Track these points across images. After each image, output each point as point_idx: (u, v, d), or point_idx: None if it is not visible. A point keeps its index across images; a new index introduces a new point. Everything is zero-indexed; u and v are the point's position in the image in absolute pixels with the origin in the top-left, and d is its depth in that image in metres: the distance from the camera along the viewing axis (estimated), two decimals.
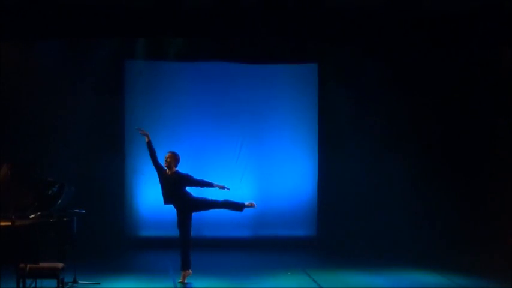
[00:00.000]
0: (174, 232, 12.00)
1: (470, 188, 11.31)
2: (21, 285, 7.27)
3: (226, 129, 12.41)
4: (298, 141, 12.52)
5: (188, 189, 9.13)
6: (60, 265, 7.68)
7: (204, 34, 11.21)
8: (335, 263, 10.67)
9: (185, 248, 9.15)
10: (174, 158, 9.04)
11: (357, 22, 10.92)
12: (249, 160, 12.46)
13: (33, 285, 7.71)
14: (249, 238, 12.23)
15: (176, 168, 9.06)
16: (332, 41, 11.81)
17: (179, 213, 9.16)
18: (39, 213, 7.72)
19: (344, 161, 12.17)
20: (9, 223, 7.13)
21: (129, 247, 11.82)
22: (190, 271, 9.11)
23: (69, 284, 8.56)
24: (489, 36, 10.66)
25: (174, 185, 9.00)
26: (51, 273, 7.61)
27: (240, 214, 12.20)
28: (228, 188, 9.27)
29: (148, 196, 12.21)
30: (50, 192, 7.98)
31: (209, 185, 9.21)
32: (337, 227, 12.06)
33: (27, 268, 7.25)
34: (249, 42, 11.96)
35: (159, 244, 11.89)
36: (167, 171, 9.06)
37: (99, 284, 8.75)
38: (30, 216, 7.60)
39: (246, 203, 9.34)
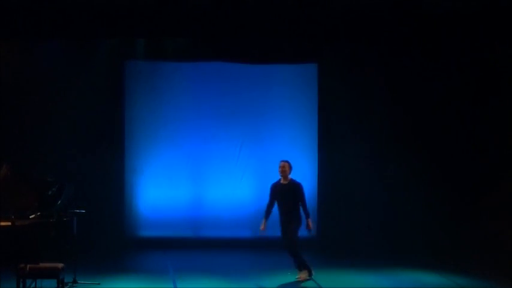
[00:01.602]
0: (174, 232, 12.14)
1: (471, 187, 11.30)
2: (21, 285, 7.27)
3: (226, 129, 12.40)
4: (298, 141, 12.51)
5: None
6: (60, 265, 7.68)
7: (204, 34, 11.24)
8: (335, 263, 10.66)
9: (294, 251, 9.15)
10: (289, 167, 9.26)
11: (357, 22, 10.94)
12: (249, 160, 12.45)
13: (33, 285, 7.71)
14: (249, 238, 12.22)
15: (290, 176, 9.23)
16: (332, 41, 11.83)
17: (285, 223, 9.18)
18: (39, 213, 7.71)
19: (344, 161, 12.16)
20: (9, 223, 7.13)
21: (129, 247, 11.81)
22: (306, 273, 9.19)
23: (69, 284, 8.56)
24: (490, 36, 10.67)
25: (289, 193, 9.15)
26: (51, 273, 7.61)
27: (240, 214, 12.30)
28: (311, 230, 9.21)
29: (148, 196, 12.22)
30: (50, 192, 7.98)
31: (306, 212, 9.17)
32: (337, 227, 12.06)
33: (27, 268, 7.24)
34: (249, 42, 11.96)
35: (159, 244, 11.89)
36: (281, 180, 9.25)
37: (99, 284, 8.75)
38: (30, 216, 7.61)
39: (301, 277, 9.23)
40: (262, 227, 9.31)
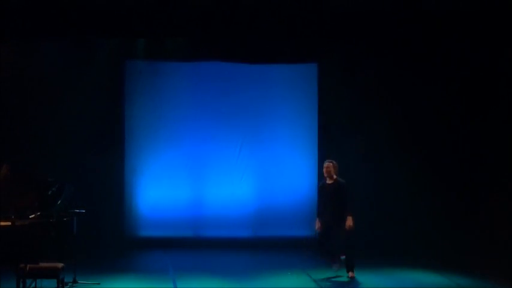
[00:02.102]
0: (174, 232, 12.14)
1: (471, 187, 11.30)
2: (21, 285, 7.27)
3: (226, 129, 12.41)
4: (298, 141, 12.52)
5: None
6: (60, 265, 7.68)
7: (204, 34, 11.24)
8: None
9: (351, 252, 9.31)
10: (333, 167, 9.39)
11: (357, 22, 10.94)
12: (249, 160, 12.46)
13: (33, 285, 7.71)
14: (249, 238, 12.23)
15: (335, 176, 9.35)
16: (332, 41, 11.82)
17: (332, 224, 9.24)
18: (39, 213, 7.71)
19: (344, 161, 12.09)
20: (9, 223, 7.13)
21: (129, 247, 11.81)
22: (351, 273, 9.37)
23: (69, 284, 8.57)
24: (491, 37, 10.67)
25: (335, 192, 9.25)
26: (51, 273, 7.61)
27: (240, 214, 12.31)
28: (351, 230, 9.20)
29: (148, 196, 12.22)
30: (50, 192, 7.98)
31: (347, 210, 9.20)
32: None
33: (27, 268, 7.24)
34: (248, 42, 11.95)
35: (159, 244, 11.90)
36: (327, 180, 9.37)
37: (99, 284, 8.76)
38: (30, 216, 7.60)
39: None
40: (317, 226, 9.42)
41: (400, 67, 11.95)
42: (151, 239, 12.13)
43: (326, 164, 9.45)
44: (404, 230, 11.63)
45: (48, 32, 10.70)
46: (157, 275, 9.62)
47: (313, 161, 12.46)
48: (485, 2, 10.18)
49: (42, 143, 11.40)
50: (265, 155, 12.47)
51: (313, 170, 12.46)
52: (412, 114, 11.97)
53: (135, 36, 11.68)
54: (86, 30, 10.70)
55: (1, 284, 7.57)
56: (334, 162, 9.47)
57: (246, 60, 12.34)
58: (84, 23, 10.55)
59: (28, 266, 7.24)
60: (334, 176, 9.37)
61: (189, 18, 10.65)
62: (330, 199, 9.29)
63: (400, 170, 11.84)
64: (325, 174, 9.42)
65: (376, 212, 12.00)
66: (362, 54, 12.00)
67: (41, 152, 11.26)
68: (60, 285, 7.72)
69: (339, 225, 9.18)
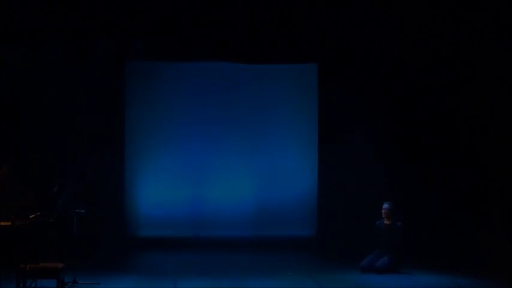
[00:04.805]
0: (175, 232, 12.14)
1: (471, 187, 11.30)
2: (21, 285, 7.27)
3: (225, 129, 12.41)
4: (298, 141, 12.52)
5: None
6: (60, 265, 7.68)
7: (204, 34, 11.25)
8: (335, 263, 10.67)
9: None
10: (391, 209, 10.03)
11: (357, 22, 10.95)
12: (250, 159, 12.45)
13: (33, 285, 7.71)
14: (249, 238, 12.23)
15: (392, 218, 9.95)
16: (332, 41, 11.83)
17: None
18: (39, 213, 7.72)
19: (344, 161, 12.15)
20: (9, 223, 7.14)
21: (129, 247, 11.81)
22: None
23: (69, 284, 8.56)
24: (491, 36, 10.68)
25: (390, 233, 9.93)
26: (51, 273, 7.61)
27: (240, 214, 12.31)
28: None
29: (148, 196, 12.23)
30: (50, 192, 7.98)
31: (397, 252, 9.87)
32: (337, 227, 12.05)
33: (27, 268, 7.25)
34: (248, 42, 11.95)
35: (160, 244, 11.90)
36: (385, 221, 10.02)
37: (99, 284, 8.75)
38: (30, 216, 7.60)
39: None
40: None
41: (400, 67, 11.94)
42: (152, 238, 12.13)
43: (385, 205, 10.05)
44: (404, 229, 11.62)
45: (48, 33, 10.71)
46: (158, 274, 9.62)
47: (313, 161, 12.46)
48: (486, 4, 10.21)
49: (42, 143, 11.39)
50: (265, 154, 12.47)
51: (313, 170, 12.46)
52: (413, 114, 11.96)
53: (135, 36, 11.68)
54: (85, 30, 10.70)
55: (1, 284, 7.58)
56: (392, 204, 10.02)
57: (246, 60, 12.33)
58: (84, 24, 10.55)
59: (28, 266, 7.24)
60: (391, 218, 9.94)
61: (189, 18, 10.65)
62: (385, 239, 9.92)
63: (400, 169, 11.84)
64: (384, 215, 10.04)
65: (375, 212, 11.98)
66: (362, 54, 11.99)
67: (41, 152, 11.25)
68: (60, 285, 7.72)
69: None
